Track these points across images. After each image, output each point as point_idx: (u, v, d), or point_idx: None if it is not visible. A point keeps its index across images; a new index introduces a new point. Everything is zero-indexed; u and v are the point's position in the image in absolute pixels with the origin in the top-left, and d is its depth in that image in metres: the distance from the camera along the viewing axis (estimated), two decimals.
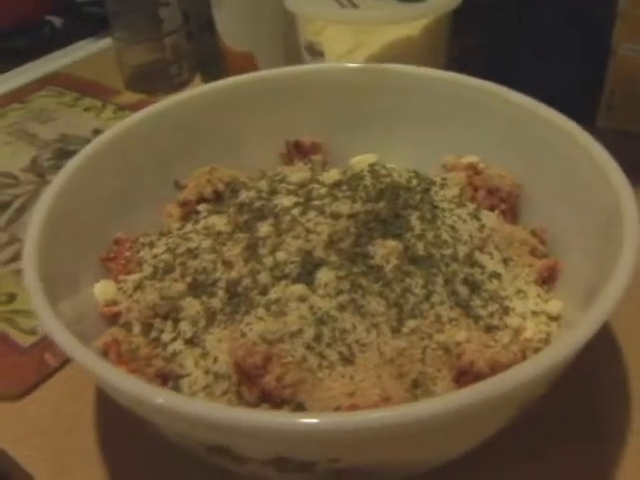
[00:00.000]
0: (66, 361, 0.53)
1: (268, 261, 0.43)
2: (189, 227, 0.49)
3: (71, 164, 0.48)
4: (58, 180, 0.47)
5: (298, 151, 0.57)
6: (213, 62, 0.83)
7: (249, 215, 0.47)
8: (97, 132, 0.79)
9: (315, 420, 0.32)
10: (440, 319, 0.42)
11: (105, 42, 0.99)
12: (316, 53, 0.60)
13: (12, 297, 0.59)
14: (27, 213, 0.68)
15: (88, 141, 0.74)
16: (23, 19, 1.03)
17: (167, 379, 0.41)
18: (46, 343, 0.54)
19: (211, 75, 0.83)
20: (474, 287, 0.44)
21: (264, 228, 0.45)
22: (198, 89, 0.57)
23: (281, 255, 0.43)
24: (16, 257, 0.63)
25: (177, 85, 0.87)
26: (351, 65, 0.58)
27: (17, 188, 0.72)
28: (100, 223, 0.49)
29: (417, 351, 0.40)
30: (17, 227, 0.66)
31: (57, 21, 1.06)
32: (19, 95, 0.89)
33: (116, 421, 0.47)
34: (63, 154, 0.76)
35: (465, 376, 0.40)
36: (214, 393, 0.39)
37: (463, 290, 0.43)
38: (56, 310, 0.38)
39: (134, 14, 0.83)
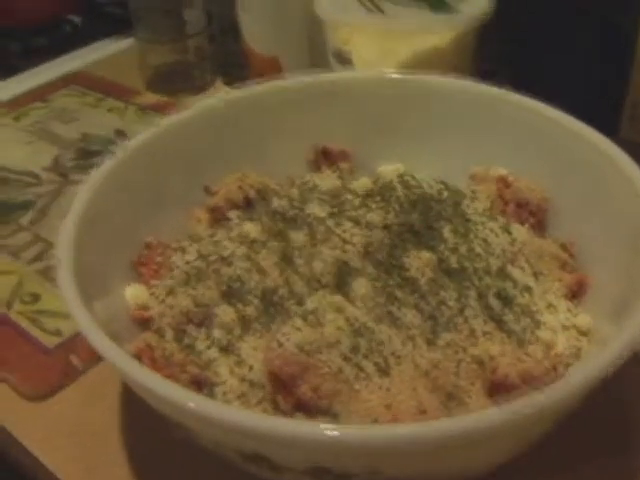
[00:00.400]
0: (91, 362, 0.53)
1: (304, 271, 0.43)
2: (221, 234, 0.49)
3: (103, 167, 0.48)
4: (90, 183, 0.47)
5: (326, 158, 0.57)
6: (236, 64, 0.83)
7: (283, 224, 0.47)
8: (119, 133, 0.79)
9: (355, 431, 0.32)
10: (474, 332, 0.42)
11: (126, 42, 0.99)
12: (344, 60, 0.60)
13: (36, 297, 0.59)
14: (50, 213, 0.68)
15: (110, 141, 0.76)
16: (44, 18, 1.03)
17: (201, 386, 0.41)
18: (71, 344, 0.54)
19: (233, 77, 0.83)
20: (506, 301, 0.44)
21: (299, 237, 0.45)
22: (229, 94, 0.57)
23: (317, 265, 0.43)
24: (40, 256, 0.63)
25: (198, 87, 0.87)
26: (382, 73, 0.58)
27: (39, 187, 0.72)
28: (130, 227, 0.49)
29: (451, 364, 0.40)
30: (41, 227, 0.66)
31: (77, 20, 1.06)
32: (41, 94, 0.89)
33: (141, 423, 0.47)
34: (85, 154, 0.76)
35: (498, 389, 0.40)
36: (249, 401, 0.40)
37: (496, 304, 0.44)
38: (91, 311, 0.38)
39: (158, 15, 0.83)
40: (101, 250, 0.46)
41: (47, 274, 0.61)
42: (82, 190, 0.47)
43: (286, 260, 0.44)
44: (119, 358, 0.36)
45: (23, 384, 0.52)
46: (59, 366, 0.53)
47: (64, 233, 0.42)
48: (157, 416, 0.37)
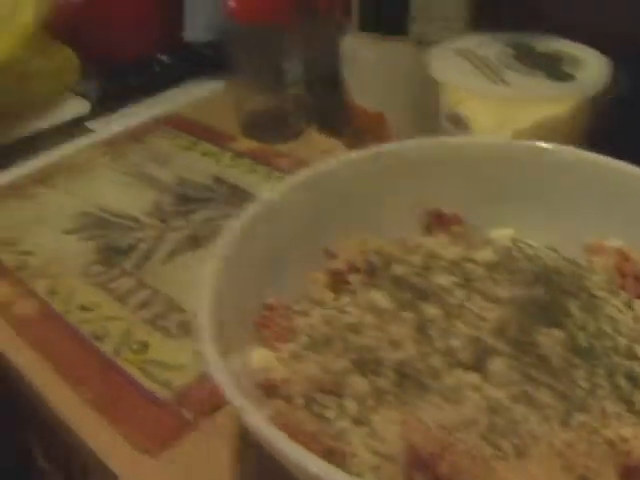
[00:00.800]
0: (202, 417, 0.53)
1: (440, 346, 0.43)
2: (345, 299, 0.50)
3: (231, 229, 0.49)
4: (222, 243, 0.48)
5: (439, 221, 0.57)
6: (332, 114, 0.84)
7: (411, 293, 0.48)
8: (217, 179, 0.81)
9: None
10: (605, 413, 0.42)
11: (217, 84, 1.00)
12: (459, 124, 0.61)
13: (145, 346, 0.60)
14: (154, 258, 0.69)
15: (208, 187, 0.77)
16: (134, 57, 1.04)
17: (333, 457, 0.41)
18: (183, 397, 0.55)
19: (329, 127, 0.85)
20: (636, 382, 0.44)
21: (431, 310, 0.46)
22: (346, 157, 0.57)
23: (454, 342, 0.43)
24: (147, 304, 0.64)
25: (293, 134, 0.87)
26: (497, 139, 0.58)
27: (140, 232, 0.73)
28: (253, 287, 0.50)
29: (584, 445, 0.40)
30: (145, 272, 0.68)
31: (166, 59, 1.07)
32: (136, 135, 0.91)
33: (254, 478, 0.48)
34: (184, 200, 0.78)
35: (633, 473, 0.40)
36: (382, 475, 0.40)
37: (626, 384, 0.43)
38: (230, 370, 0.39)
39: (256, 62, 0.84)
40: (229, 312, 0.46)
41: (155, 323, 0.62)
42: (216, 248, 0.47)
43: (420, 333, 0.44)
44: (262, 426, 0.37)
45: (136, 436, 0.53)
46: (171, 418, 0.54)
47: (203, 298, 0.43)
48: (272, 473, 0.38)
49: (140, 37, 1.05)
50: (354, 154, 0.57)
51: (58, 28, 0.93)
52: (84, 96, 0.98)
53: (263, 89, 0.86)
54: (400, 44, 0.70)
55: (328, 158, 0.56)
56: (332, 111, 0.84)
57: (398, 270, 0.51)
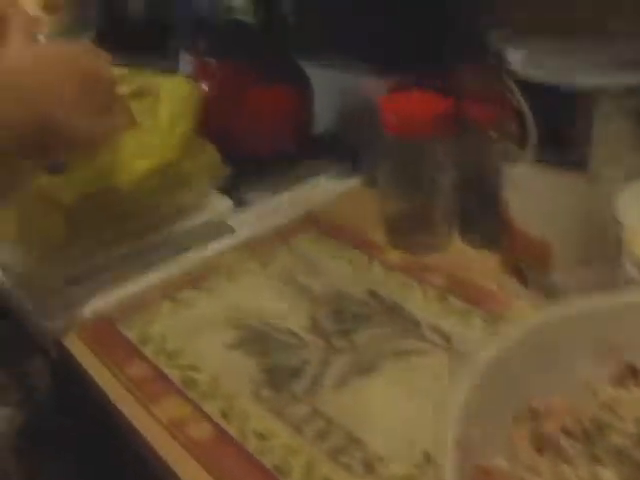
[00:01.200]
0: None
1: None
2: (565, 469, 0.49)
3: (462, 388, 0.49)
4: (455, 404, 0.48)
5: (632, 374, 0.57)
6: (483, 228, 0.84)
7: (632, 468, 0.47)
8: (371, 293, 0.81)
9: None
10: None
11: (352, 181, 1.02)
12: None
13: None
14: (324, 383, 0.69)
15: (364, 303, 0.78)
16: (270, 152, 1.06)
17: None
18: None
19: (475, 240, 0.85)
20: None
21: None
22: (553, 310, 0.57)
23: None
24: (324, 435, 0.64)
25: (439, 245, 0.88)
26: None
27: (304, 351, 0.74)
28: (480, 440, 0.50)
29: None
30: (317, 399, 0.68)
31: (299, 153, 1.09)
32: (280, 236, 0.92)
33: None
34: (342, 315, 0.78)
35: None
36: None
37: None
38: None
39: (408, 172, 0.85)
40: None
41: (337, 458, 0.62)
42: (451, 408, 0.47)
43: None
44: None
45: None
46: None
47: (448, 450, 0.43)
48: None
49: (276, 133, 1.07)
50: (557, 308, 0.57)
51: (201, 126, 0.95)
52: (225, 192, 1.00)
53: (410, 197, 0.87)
54: (576, 177, 0.70)
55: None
56: (483, 224, 0.85)
57: (616, 439, 0.50)
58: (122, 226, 0.88)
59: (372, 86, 0.98)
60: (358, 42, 1.05)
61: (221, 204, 0.99)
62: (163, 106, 0.88)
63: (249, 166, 1.03)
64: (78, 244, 0.85)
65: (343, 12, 1.11)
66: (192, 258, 0.90)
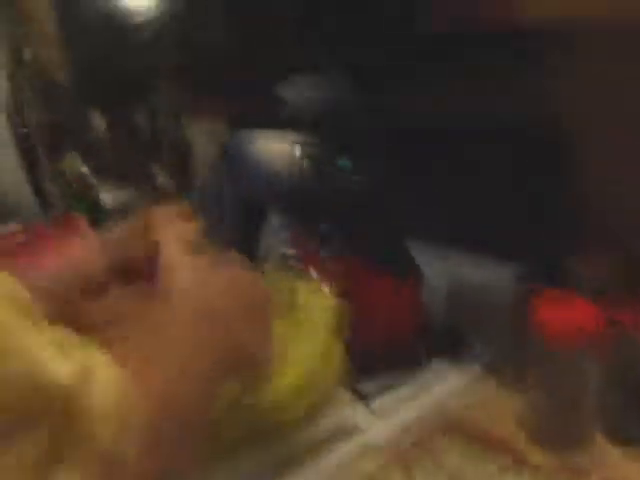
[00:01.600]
0: None
1: None
2: None
3: None
4: None
5: None
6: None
7: None
8: None
9: None
10: None
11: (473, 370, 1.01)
12: None
13: None
14: None
15: None
16: (386, 343, 1.06)
17: None
18: None
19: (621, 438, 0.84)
20: None
21: None
22: None
23: None
24: None
25: (580, 442, 0.86)
26: None
27: None
28: None
29: None
30: None
31: (415, 342, 1.09)
32: (419, 441, 0.90)
33: None
34: None
35: None
36: None
37: None
38: None
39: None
40: None
41: None
42: None
43: None
44: None
45: None
46: None
47: None
48: None
49: (392, 325, 1.07)
50: None
51: None
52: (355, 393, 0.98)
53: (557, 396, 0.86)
54: None
55: None
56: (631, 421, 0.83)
57: None
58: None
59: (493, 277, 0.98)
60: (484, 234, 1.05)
61: (350, 408, 0.97)
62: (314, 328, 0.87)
63: (366, 359, 1.02)
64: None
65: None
66: (321, 465, 0.87)
